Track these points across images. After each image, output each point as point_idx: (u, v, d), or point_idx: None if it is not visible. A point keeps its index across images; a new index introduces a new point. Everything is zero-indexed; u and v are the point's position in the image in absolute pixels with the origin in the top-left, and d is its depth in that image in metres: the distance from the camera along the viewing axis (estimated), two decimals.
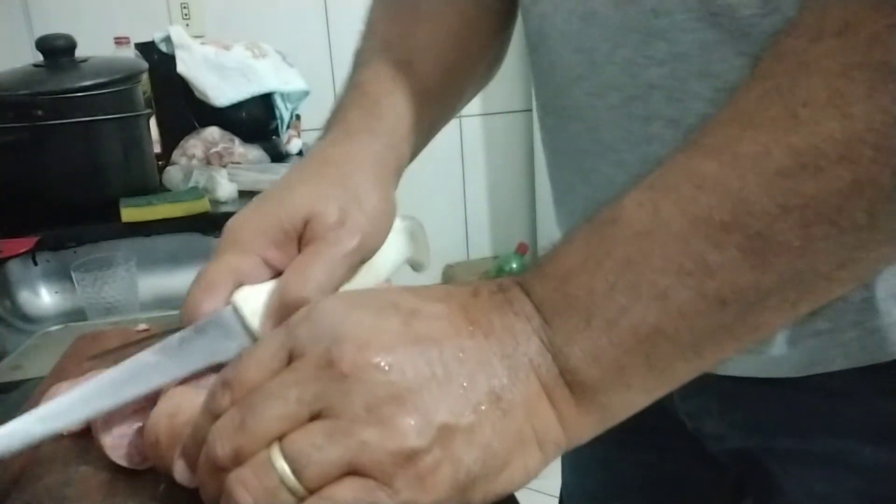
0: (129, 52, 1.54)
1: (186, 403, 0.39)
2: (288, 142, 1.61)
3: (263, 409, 0.29)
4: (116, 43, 1.61)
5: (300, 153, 1.63)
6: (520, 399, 0.30)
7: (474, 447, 0.29)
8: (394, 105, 0.49)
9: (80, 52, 1.22)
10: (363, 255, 0.41)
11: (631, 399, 0.32)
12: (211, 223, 1.17)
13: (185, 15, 1.95)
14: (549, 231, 2.33)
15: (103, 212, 1.15)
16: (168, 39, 1.50)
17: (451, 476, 0.28)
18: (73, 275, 0.98)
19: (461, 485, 0.29)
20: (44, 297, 1.10)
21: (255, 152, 1.48)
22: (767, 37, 0.37)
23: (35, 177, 1.17)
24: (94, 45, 1.36)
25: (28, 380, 0.65)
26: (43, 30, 1.36)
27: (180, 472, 0.34)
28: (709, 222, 0.29)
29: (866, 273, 0.33)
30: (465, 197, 2.37)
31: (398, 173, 0.49)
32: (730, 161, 0.29)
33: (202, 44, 1.53)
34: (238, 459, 0.29)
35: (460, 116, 2.25)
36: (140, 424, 0.44)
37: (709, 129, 0.31)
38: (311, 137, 1.83)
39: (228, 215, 1.37)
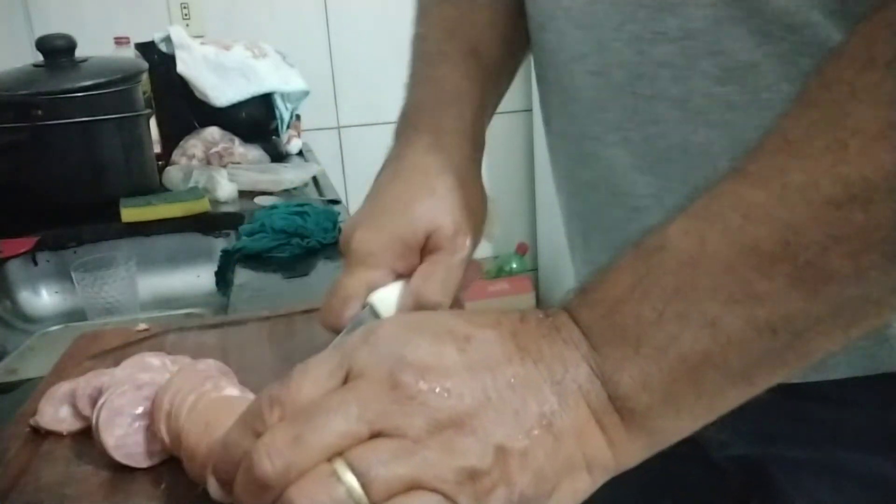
0: (129, 52, 1.54)
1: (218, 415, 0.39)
2: (288, 142, 1.61)
3: (324, 423, 0.29)
4: (116, 43, 1.61)
5: (300, 153, 1.63)
6: (570, 425, 0.30)
7: (527, 471, 0.29)
8: (471, 99, 0.52)
9: (80, 52, 1.22)
10: (474, 253, 0.48)
11: (680, 424, 0.32)
12: (211, 223, 1.17)
13: (185, 15, 1.95)
14: (549, 231, 2.33)
15: (103, 212, 1.15)
16: (168, 39, 1.49)
17: (505, 498, 0.29)
18: (73, 275, 0.98)
19: None
20: (44, 297, 1.10)
21: (255, 152, 1.48)
22: (781, 13, 0.37)
23: (35, 177, 1.17)
24: (94, 45, 1.36)
25: (27, 380, 0.65)
26: (43, 30, 1.36)
27: (214, 489, 0.33)
28: (757, 252, 0.29)
29: None
30: None
31: (481, 159, 0.53)
32: (778, 191, 0.29)
33: (202, 44, 1.53)
34: (288, 475, 0.29)
35: None
36: (141, 424, 0.44)
37: (755, 157, 0.31)
38: (310, 137, 1.83)
39: (228, 215, 1.36)
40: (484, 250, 2.45)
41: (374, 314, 0.45)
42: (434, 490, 0.28)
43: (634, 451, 0.32)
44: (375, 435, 0.29)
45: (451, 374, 0.30)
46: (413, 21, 0.58)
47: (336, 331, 0.45)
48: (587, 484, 0.31)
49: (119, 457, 0.43)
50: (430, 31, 0.57)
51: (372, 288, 0.45)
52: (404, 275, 0.46)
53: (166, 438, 0.42)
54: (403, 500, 0.28)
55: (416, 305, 0.44)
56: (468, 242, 0.47)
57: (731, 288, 0.29)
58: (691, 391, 0.30)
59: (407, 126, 0.52)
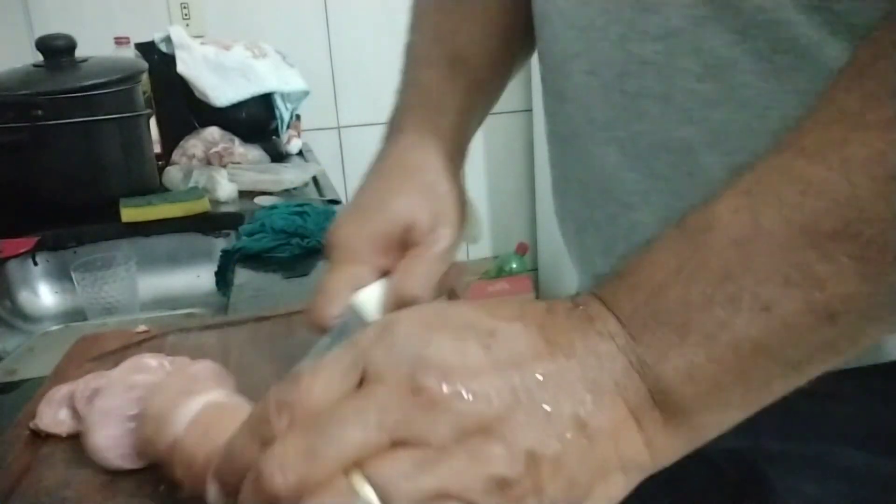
0: (129, 52, 1.53)
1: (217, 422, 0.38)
2: (288, 142, 1.61)
3: (340, 433, 0.27)
4: (116, 43, 1.61)
5: (300, 153, 1.63)
6: (606, 425, 0.28)
7: (559, 478, 0.28)
8: (454, 104, 0.54)
9: (80, 52, 1.22)
10: (454, 248, 0.49)
11: (723, 418, 0.30)
12: (211, 223, 1.17)
13: (185, 15, 1.95)
14: (550, 231, 2.33)
15: (103, 212, 1.15)
16: (168, 39, 1.49)
17: None
18: (73, 275, 0.98)
19: None
20: (44, 297, 1.10)
21: (255, 152, 1.48)
22: (757, 10, 0.37)
23: (35, 177, 1.17)
24: (94, 45, 1.36)
25: (27, 380, 0.65)
26: (43, 30, 1.36)
27: (214, 497, 0.31)
28: (816, 230, 0.27)
29: None
30: None
31: (463, 164, 0.55)
32: (838, 165, 0.27)
33: (202, 44, 1.53)
34: (301, 489, 0.27)
35: None
36: (129, 426, 0.44)
37: (808, 131, 0.29)
38: (310, 137, 1.83)
39: (228, 215, 1.36)
40: (484, 250, 2.45)
41: (358, 316, 0.44)
42: (461, 501, 0.27)
43: (673, 449, 0.30)
44: (396, 444, 0.27)
45: (476, 374, 0.28)
46: (407, 29, 0.59)
47: (321, 330, 0.44)
48: (621, 487, 0.29)
49: (113, 457, 0.43)
50: (420, 38, 0.58)
51: (356, 284, 0.45)
52: (388, 270, 0.47)
53: (158, 444, 0.41)
54: None
55: (397, 301, 0.44)
56: (447, 234, 0.48)
57: (788, 269, 0.27)
58: (740, 382, 0.28)
59: (392, 128, 0.55)
